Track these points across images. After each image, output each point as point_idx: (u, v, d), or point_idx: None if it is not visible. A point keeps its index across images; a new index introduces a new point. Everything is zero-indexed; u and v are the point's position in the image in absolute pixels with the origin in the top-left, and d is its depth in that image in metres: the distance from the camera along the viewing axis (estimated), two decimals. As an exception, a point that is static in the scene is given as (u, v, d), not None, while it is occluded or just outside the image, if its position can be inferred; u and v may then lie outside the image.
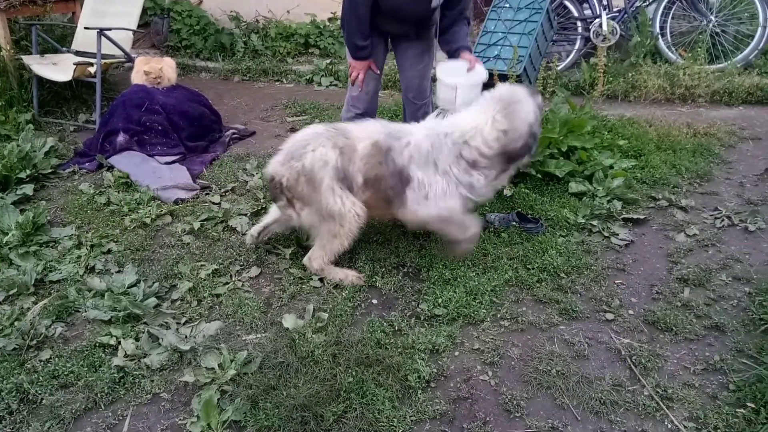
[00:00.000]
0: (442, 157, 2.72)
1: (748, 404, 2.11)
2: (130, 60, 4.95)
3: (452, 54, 3.39)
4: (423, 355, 2.40)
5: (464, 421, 2.13)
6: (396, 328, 2.56)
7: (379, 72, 3.57)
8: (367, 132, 2.78)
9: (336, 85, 6.19)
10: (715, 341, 2.46)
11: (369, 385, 2.23)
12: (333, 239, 2.77)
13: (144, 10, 6.29)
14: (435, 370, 2.33)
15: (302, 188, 2.69)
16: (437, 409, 2.16)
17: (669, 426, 2.09)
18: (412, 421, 2.12)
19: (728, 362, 2.33)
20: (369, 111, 3.70)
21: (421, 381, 2.27)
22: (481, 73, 3.25)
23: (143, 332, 2.51)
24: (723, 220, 3.32)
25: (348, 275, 2.86)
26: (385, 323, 2.58)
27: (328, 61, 6.59)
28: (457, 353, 2.44)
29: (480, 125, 2.72)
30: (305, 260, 2.90)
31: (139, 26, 5.40)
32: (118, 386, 2.27)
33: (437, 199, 2.73)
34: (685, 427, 2.07)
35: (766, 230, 3.21)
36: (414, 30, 3.45)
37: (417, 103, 3.70)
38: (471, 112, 2.81)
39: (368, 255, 3.06)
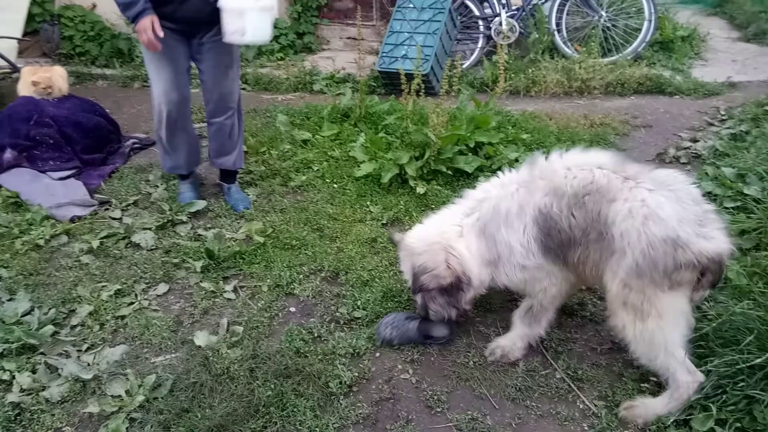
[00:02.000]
0: None
1: (651, 378, 2.23)
2: (16, 70, 4.61)
3: None
4: (344, 359, 2.39)
5: (387, 422, 2.13)
6: (315, 335, 2.53)
7: (162, 36, 2.97)
8: None
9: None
10: (618, 321, 2.59)
11: (289, 396, 2.19)
12: None
13: (31, 17, 5.87)
14: (357, 374, 2.32)
15: None
16: (360, 413, 2.15)
17: (581, 406, 2.18)
18: (335, 428, 2.09)
19: (631, 340, 2.47)
20: (183, 113, 3.36)
21: (342, 386, 2.25)
22: None
23: (40, 363, 2.33)
24: (620, 205, 3.51)
25: None
26: (304, 331, 2.54)
27: (234, 64, 6.42)
28: (378, 354, 2.44)
29: None
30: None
31: (26, 34, 5.04)
32: (14, 425, 2.10)
33: None
34: (595, 405, 2.17)
35: (658, 212, 3.43)
36: (206, 29, 3.12)
37: (218, 120, 3.43)
38: None
39: (284, 262, 3.00)
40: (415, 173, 3.71)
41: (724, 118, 4.69)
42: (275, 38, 6.88)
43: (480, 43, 6.14)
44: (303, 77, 6.00)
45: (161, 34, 2.97)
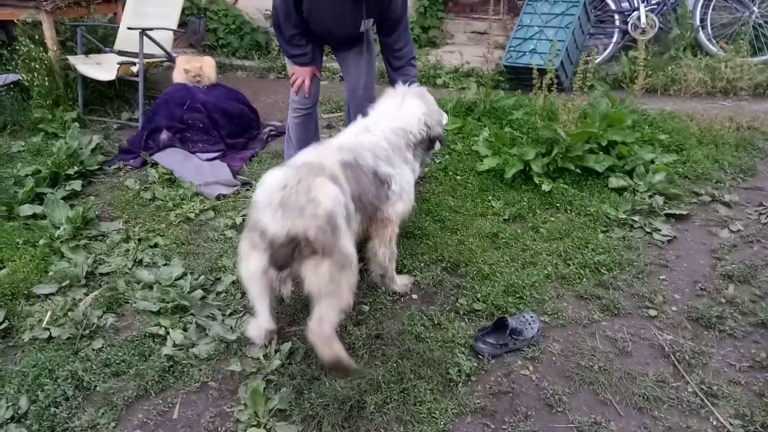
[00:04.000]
0: (402, 149, 2.73)
1: (799, 403, 2.07)
2: (171, 59, 5.07)
3: None
4: (463, 349, 2.42)
5: (506, 415, 2.14)
6: (435, 322, 2.58)
7: (320, 77, 3.51)
8: (321, 154, 2.42)
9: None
10: (761, 338, 2.42)
11: (409, 376, 2.25)
12: (348, 293, 2.18)
13: (181, 10, 6.41)
14: (475, 365, 2.34)
15: (328, 237, 2.09)
16: (478, 403, 2.18)
17: (714, 423, 2.06)
18: (453, 413, 2.14)
19: (775, 360, 2.29)
20: (313, 108, 3.66)
21: (461, 375, 2.29)
22: None
23: (191, 323, 2.58)
24: (768, 216, 3.25)
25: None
26: (425, 317, 2.60)
27: (361, 57, 6.62)
28: (497, 348, 2.45)
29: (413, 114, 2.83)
30: (314, 329, 2.09)
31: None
32: (167, 375, 2.34)
33: (409, 191, 2.72)
34: (731, 424, 2.05)
35: (814, 226, 3.13)
36: (348, 44, 3.41)
37: (366, 105, 3.38)
38: (390, 105, 2.88)
39: (407, 250, 3.08)
40: (541, 170, 3.65)
41: None
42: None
43: (615, 38, 5.88)
44: (427, 71, 6.07)
45: (320, 76, 3.42)
